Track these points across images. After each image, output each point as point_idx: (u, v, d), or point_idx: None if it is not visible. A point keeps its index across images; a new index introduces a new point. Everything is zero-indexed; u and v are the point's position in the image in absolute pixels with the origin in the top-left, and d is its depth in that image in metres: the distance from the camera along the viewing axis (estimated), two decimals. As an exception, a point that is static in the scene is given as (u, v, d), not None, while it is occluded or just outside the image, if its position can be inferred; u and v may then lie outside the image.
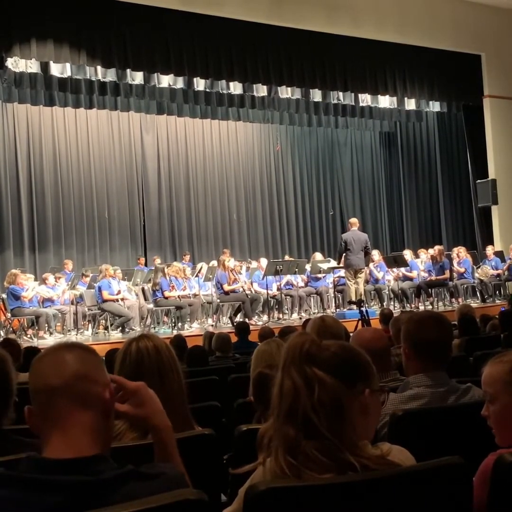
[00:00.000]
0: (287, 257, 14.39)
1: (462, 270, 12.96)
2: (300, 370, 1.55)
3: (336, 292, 12.16)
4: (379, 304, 12.55)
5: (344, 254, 11.15)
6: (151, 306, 11.27)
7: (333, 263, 12.31)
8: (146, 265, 14.35)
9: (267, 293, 11.62)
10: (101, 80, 12.03)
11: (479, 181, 15.04)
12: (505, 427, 1.91)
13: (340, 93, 13.91)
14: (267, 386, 2.57)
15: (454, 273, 12.90)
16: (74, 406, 1.41)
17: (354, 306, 10.33)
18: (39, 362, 1.46)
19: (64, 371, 1.42)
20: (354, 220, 11.86)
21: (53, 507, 1.29)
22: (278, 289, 11.97)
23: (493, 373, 1.95)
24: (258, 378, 2.83)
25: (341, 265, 11.43)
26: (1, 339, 10.12)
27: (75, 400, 1.41)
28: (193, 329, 10.65)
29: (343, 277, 11.65)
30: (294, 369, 1.56)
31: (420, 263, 13.40)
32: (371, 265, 12.56)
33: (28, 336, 10.38)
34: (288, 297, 12.34)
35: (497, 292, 13.44)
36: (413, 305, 12.47)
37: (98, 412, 1.43)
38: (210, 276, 11.74)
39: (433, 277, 12.49)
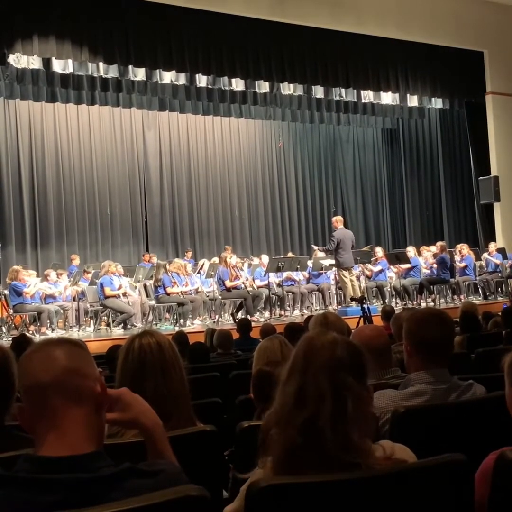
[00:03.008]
0: (290, 254, 14.38)
1: (463, 265, 12.93)
2: (330, 378, 1.52)
3: (337, 289, 12.16)
4: (381, 301, 12.55)
5: (336, 253, 11.16)
6: (153, 302, 11.28)
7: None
8: (149, 262, 14.36)
9: (269, 289, 11.63)
10: (103, 77, 12.03)
11: (481, 178, 15.03)
12: None
13: (342, 90, 13.89)
14: (266, 383, 2.58)
15: (455, 270, 12.89)
16: (67, 403, 1.39)
17: (353, 304, 10.37)
18: (28, 359, 1.43)
19: (54, 367, 1.39)
20: (340, 218, 11.84)
21: (52, 506, 1.28)
22: (279, 285, 11.97)
23: (503, 362, 1.94)
24: (258, 376, 2.83)
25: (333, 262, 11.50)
26: (7, 336, 10.19)
27: (68, 396, 1.39)
28: (195, 326, 10.66)
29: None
30: (324, 375, 1.52)
31: (422, 261, 13.36)
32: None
33: (30, 332, 10.37)
34: (290, 293, 12.34)
35: (499, 289, 13.42)
36: (415, 302, 12.46)
37: (91, 407, 1.42)
38: (212, 273, 11.75)
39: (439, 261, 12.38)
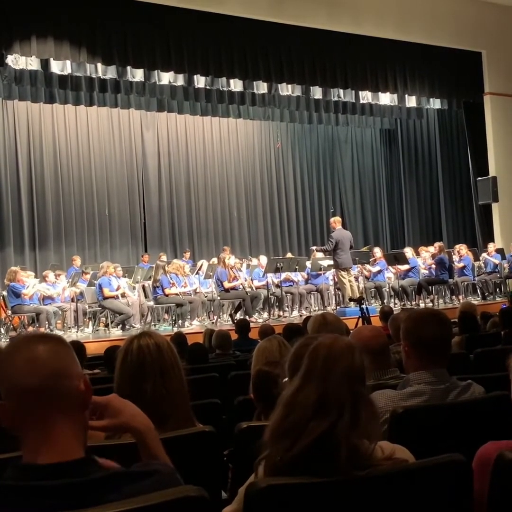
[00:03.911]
0: (289, 255, 14.39)
1: (461, 265, 12.95)
2: (350, 386, 1.51)
3: (336, 290, 12.15)
4: (380, 302, 12.55)
5: (334, 254, 11.16)
6: (151, 303, 11.28)
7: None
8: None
9: (268, 290, 11.63)
10: (102, 77, 12.03)
11: (479, 178, 15.03)
12: None
13: (341, 90, 13.90)
14: (266, 383, 2.58)
15: (454, 271, 12.90)
16: (54, 407, 1.34)
17: (352, 304, 10.37)
18: (10, 360, 1.37)
19: (40, 370, 1.34)
20: (338, 218, 11.81)
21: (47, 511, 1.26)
22: (277, 285, 11.98)
23: (508, 362, 1.94)
24: (257, 376, 2.83)
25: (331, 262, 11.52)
26: (6, 337, 10.19)
27: (56, 400, 1.35)
28: (193, 327, 10.66)
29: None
30: (345, 384, 1.51)
31: (421, 262, 13.37)
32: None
33: (29, 333, 10.34)
34: (289, 294, 12.34)
35: (498, 289, 13.43)
36: (413, 303, 12.47)
37: (77, 408, 1.39)
38: (210, 274, 11.75)
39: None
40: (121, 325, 10.66)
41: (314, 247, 13.09)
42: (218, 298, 11.53)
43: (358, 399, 1.51)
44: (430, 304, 12.27)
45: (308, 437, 1.48)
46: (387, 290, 13.10)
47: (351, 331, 3.54)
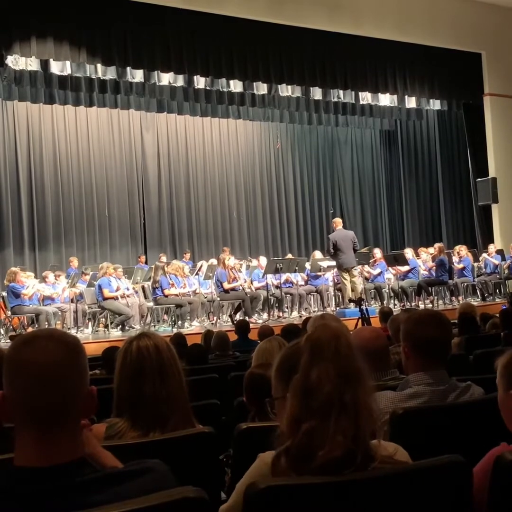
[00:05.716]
0: (289, 256, 14.38)
1: (461, 266, 12.95)
2: (357, 364, 1.52)
3: (336, 290, 12.16)
4: (379, 303, 12.55)
5: (334, 255, 11.17)
6: (151, 304, 11.28)
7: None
8: (146, 263, 14.35)
9: (267, 291, 11.63)
10: (101, 78, 12.04)
11: (479, 179, 15.04)
12: (504, 417, 1.92)
13: (341, 91, 13.91)
14: (258, 385, 2.57)
15: (453, 272, 12.90)
16: (55, 413, 1.32)
17: (352, 305, 10.37)
18: (26, 351, 1.33)
19: (50, 380, 1.31)
20: (337, 219, 11.82)
21: None
22: (277, 286, 11.98)
23: (497, 363, 1.95)
24: (250, 379, 2.82)
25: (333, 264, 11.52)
26: (6, 338, 10.18)
27: (58, 411, 1.32)
28: (193, 328, 10.65)
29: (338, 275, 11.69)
30: (353, 361, 1.51)
31: (421, 263, 13.37)
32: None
33: (28, 334, 10.31)
34: (288, 295, 12.34)
35: (497, 290, 13.43)
36: (413, 304, 12.47)
37: (79, 418, 1.38)
38: (210, 274, 11.75)
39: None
40: (120, 326, 10.65)
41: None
42: (218, 299, 11.52)
43: (365, 376, 1.51)
44: (430, 305, 12.26)
45: (337, 408, 1.46)
46: (387, 291, 13.09)
47: (351, 332, 3.53)
